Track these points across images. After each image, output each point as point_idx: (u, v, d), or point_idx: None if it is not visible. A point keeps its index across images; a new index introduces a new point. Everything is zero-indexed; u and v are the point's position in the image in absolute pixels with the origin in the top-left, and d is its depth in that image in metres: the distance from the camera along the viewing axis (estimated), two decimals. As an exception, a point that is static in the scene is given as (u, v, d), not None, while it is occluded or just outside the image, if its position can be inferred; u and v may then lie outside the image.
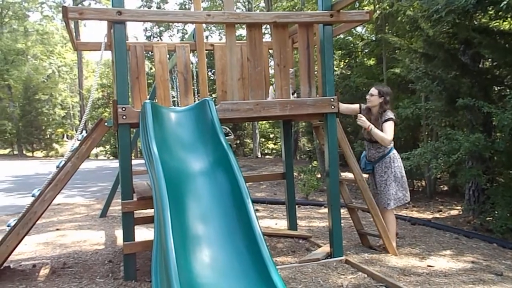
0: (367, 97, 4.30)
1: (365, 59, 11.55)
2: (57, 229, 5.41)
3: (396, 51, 8.51)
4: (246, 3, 24.52)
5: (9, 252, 3.37)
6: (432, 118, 7.11)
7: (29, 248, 4.49)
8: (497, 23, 6.50)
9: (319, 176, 9.75)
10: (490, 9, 5.75)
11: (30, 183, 10.91)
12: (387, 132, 4.08)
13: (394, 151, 4.24)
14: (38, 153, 29.30)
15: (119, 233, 4.97)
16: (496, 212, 5.52)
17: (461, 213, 6.89)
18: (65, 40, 33.68)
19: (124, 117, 3.33)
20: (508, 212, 5.32)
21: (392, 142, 4.19)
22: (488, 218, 5.72)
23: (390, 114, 4.18)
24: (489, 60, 6.80)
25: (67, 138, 35.66)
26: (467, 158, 6.12)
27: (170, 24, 25.07)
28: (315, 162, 12.19)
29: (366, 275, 3.36)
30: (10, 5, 30.96)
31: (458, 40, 6.33)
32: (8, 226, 3.44)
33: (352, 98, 10.55)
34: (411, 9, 7.10)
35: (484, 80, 6.12)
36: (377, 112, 4.20)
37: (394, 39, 7.44)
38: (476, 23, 6.10)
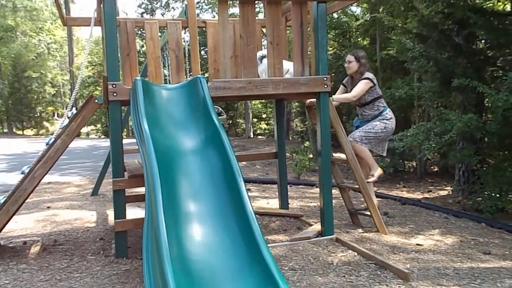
0: (345, 65, 4.38)
1: (359, 39, 11.48)
2: (48, 207, 5.39)
3: (392, 31, 8.45)
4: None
5: (-1, 229, 3.35)
6: (426, 99, 7.12)
7: (20, 226, 4.48)
8: (491, 4, 6.48)
9: (311, 156, 9.78)
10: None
11: (20, 161, 10.84)
12: (355, 90, 4.18)
13: (388, 110, 4.31)
14: (28, 131, 29.01)
15: (110, 212, 4.97)
16: (486, 192, 5.59)
17: (450, 193, 6.97)
18: (55, 17, 33.05)
19: (115, 94, 3.28)
20: (498, 193, 5.39)
21: (383, 101, 4.32)
22: (478, 198, 5.79)
23: (367, 74, 4.23)
24: (483, 41, 6.79)
25: (57, 116, 35.31)
26: (458, 139, 6.16)
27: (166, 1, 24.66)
28: (307, 142, 12.21)
29: (356, 253, 3.39)
30: (-3, -20, 30.22)
31: (452, 21, 6.30)
32: (-3, 203, 3.41)
33: (345, 78, 10.51)
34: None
35: (477, 61, 6.11)
36: (357, 79, 4.24)
37: (388, 18, 7.39)
38: (470, 2, 6.06)
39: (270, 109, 21.29)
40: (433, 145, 5.60)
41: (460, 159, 6.22)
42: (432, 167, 9.76)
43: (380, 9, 9.53)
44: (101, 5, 3.38)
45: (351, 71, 4.31)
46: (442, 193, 7.12)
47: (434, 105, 7.54)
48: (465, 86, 5.43)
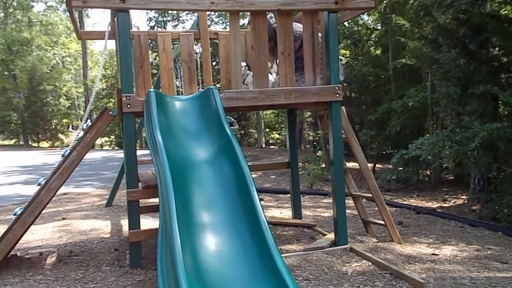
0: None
1: (372, 48, 11.48)
2: (63, 218, 5.45)
3: (407, 38, 8.41)
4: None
5: (16, 240, 3.39)
6: (443, 106, 7.04)
7: (36, 237, 4.53)
8: (506, 11, 6.45)
9: (323, 165, 9.74)
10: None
11: (36, 173, 10.99)
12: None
13: None
14: (44, 144, 29.40)
15: (124, 222, 5.00)
16: (503, 201, 5.51)
17: (466, 202, 6.88)
18: (69, 31, 33.66)
19: (129, 105, 3.33)
20: (516, 201, 5.31)
21: None
22: (495, 207, 5.70)
23: None
24: (497, 48, 6.75)
25: (72, 128, 35.78)
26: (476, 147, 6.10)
27: (177, 13, 24.95)
28: (320, 151, 12.18)
29: (370, 263, 3.36)
30: (14, -5, 30.93)
31: (467, 27, 6.27)
32: (14, 214, 3.46)
33: (358, 87, 10.52)
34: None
35: (491, 67, 6.08)
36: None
37: (402, 21, 7.36)
38: (482, 10, 6.03)
39: (282, 117, 21.28)
40: (452, 154, 5.53)
41: (480, 167, 6.14)
42: (446, 176, 9.65)
43: (393, 16, 9.52)
44: (115, 19, 3.44)
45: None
46: (458, 202, 7.04)
47: (451, 113, 7.46)
48: (485, 93, 5.39)
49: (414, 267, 3.34)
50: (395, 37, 9.22)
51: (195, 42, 4.43)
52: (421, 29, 7.45)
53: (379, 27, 11.11)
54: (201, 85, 5.07)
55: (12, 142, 30.11)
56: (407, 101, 7.72)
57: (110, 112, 3.61)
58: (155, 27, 25.17)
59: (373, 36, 11.05)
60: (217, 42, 4.54)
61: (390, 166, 8.43)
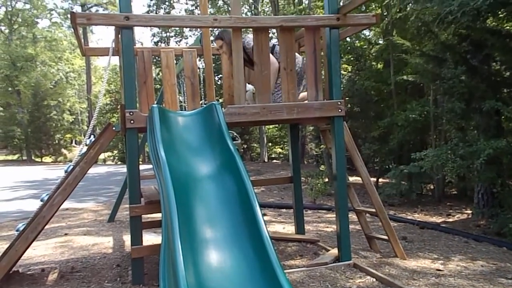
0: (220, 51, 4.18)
1: (373, 63, 11.52)
2: (66, 234, 5.43)
3: (407, 54, 8.45)
4: (253, 8, 24.67)
5: (18, 257, 3.38)
6: (448, 120, 7.02)
7: (38, 253, 4.52)
8: (508, 26, 6.49)
9: (326, 180, 9.72)
10: (500, 12, 5.75)
11: (39, 189, 11.00)
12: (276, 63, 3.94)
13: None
14: (47, 159, 29.46)
15: (127, 238, 4.98)
16: (508, 215, 5.47)
17: (470, 217, 6.84)
18: (73, 47, 34.00)
19: (132, 121, 3.34)
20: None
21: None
22: (500, 222, 5.66)
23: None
24: (498, 63, 6.78)
25: (75, 143, 35.89)
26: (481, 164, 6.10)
27: (180, 29, 25.21)
28: (322, 166, 12.15)
29: (374, 279, 3.33)
30: (19, 12, 31.37)
31: (468, 43, 6.30)
32: (17, 230, 3.45)
33: (360, 101, 10.54)
34: (422, 14, 7.07)
35: (494, 82, 6.10)
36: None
37: (401, 41, 7.42)
38: (483, 25, 6.07)
39: (285, 132, 21.31)
40: (456, 167, 5.52)
41: (483, 182, 6.12)
42: (451, 190, 9.60)
43: (394, 32, 9.58)
44: (119, 36, 3.48)
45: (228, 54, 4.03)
46: (462, 216, 6.99)
47: (454, 127, 7.46)
48: (489, 108, 5.41)
49: (419, 283, 3.31)
50: (396, 52, 9.26)
51: (198, 57, 4.47)
52: (422, 45, 7.50)
53: (381, 41, 11.17)
54: (204, 100, 5.09)
55: (15, 157, 30.18)
56: (409, 113, 7.74)
57: (114, 128, 3.63)
58: (159, 43, 25.40)
59: (373, 50, 11.11)
60: (220, 57, 4.59)
61: (393, 181, 8.39)
